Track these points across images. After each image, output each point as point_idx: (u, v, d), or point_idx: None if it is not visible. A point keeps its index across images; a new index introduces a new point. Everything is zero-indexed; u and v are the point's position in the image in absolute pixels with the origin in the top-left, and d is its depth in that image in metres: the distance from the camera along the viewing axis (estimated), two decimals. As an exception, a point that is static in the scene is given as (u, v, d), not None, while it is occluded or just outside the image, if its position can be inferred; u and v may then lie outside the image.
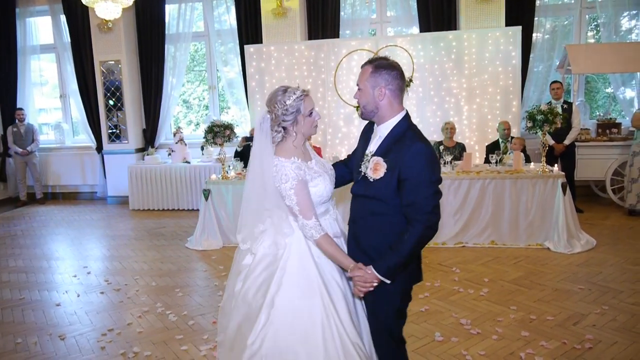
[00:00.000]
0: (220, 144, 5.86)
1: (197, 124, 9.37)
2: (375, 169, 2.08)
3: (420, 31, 7.39)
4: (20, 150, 8.57)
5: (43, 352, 3.47)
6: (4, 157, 9.10)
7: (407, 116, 2.16)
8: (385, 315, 2.22)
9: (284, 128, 2.21)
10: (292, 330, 2.14)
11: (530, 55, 7.41)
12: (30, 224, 7.49)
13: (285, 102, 2.17)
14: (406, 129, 2.12)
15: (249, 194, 2.28)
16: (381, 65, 2.09)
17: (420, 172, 2.01)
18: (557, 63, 7.39)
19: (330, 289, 2.18)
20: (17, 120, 8.65)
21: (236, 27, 8.01)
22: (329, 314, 2.12)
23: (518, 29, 6.71)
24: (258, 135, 2.22)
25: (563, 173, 5.36)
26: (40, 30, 9.16)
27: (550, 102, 6.54)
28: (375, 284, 2.08)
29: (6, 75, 8.88)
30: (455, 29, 7.21)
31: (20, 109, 8.73)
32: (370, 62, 2.14)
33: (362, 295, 2.15)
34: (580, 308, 3.76)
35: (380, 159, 2.08)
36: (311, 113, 2.22)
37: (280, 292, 2.16)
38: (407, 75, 6.88)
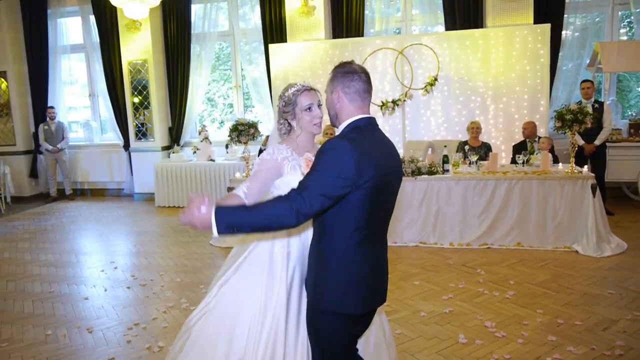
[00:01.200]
0: (244, 142, 5.91)
1: (222, 122, 9.46)
2: (306, 165, 2.03)
3: (446, 29, 7.30)
4: (51, 147, 8.79)
5: (71, 345, 3.55)
6: (35, 154, 9.35)
7: (361, 119, 1.93)
8: (312, 339, 2.04)
9: (288, 122, 2.26)
10: (222, 320, 2.16)
11: (560, 53, 7.24)
12: (59, 219, 7.68)
13: (284, 94, 2.24)
14: (347, 131, 1.92)
15: None
16: (339, 68, 1.98)
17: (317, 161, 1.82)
18: (588, 61, 7.21)
19: (276, 297, 2.11)
20: (48, 118, 8.88)
21: (261, 26, 8.04)
22: (262, 319, 2.07)
23: (547, 26, 6.57)
24: (273, 127, 2.31)
25: (593, 174, 5.23)
26: (71, 30, 9.38)
27: (580, 101, 6.39)
28: (198, 217, 1.78)
29: (38, 74, 9.12)
30: (481, 26, 7.10)
31: (52, 107, 8.96)
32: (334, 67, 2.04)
33: (184, 220, 1.84)
34: (610, 313, 3.67)
35: (310, 155, 2.10)
36: (309, 108, 2.19)
37: (232, 279, 2.21)
38: (432, 74, 6.83)
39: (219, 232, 1.76)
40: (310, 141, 2.27)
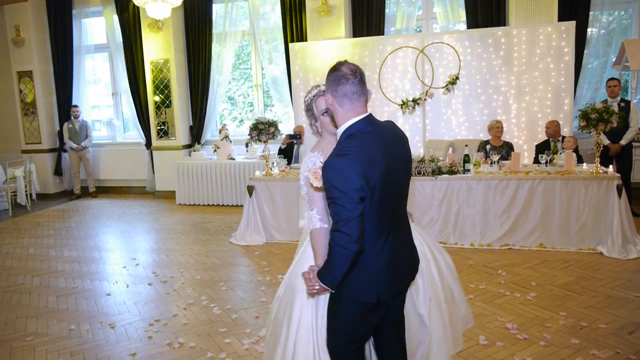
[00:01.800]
0: (264, 141, 5.93)
1: (242, 120, 9.52)
2: (315, 177, 2.04)
3: (468, 27, 7.22)
4: (75, 145, 8.96)
5: (94, 339, 3.61)
6: (60, 152, 9.54)
7: (354, 125, 1.95)
8: (330, 326, 2.12)
9: (315, 125, 2.37)
10: (285, 302, 2.31)
11: (585, 51, 7.10)
12: (83, 216, 7.82)
13: (305, 98, 2.35)
14: (342, 140, 1.95)
15: None
16: (329, 72, 1.99)
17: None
18: (614, 59, 7.05)
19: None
20: (72, 117, 9.05)
21: (281, 25, 8.07)
22: (315, 303, 2.22)
23: (572, 24, 6.44)
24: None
25: (618, 175, 5.11)
26: (95, 30, 9.54)
27: (605, 100, 6.26)
28: (317, 288, 2.00)
29: (63, 73, 9.32)
30: (504, 24, 7.01)
31: (76, 106, 9.13)
32: None
33: (311, 296, 2.15)
34: (635, 317, 3.58)
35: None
36: (326, 112, 2.24)
37: (293, 264, 2.38)
38: (453, 72, 6.76)
39: (332, 289, 1.99)
40: (334, 144, 2.25)
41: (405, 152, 2.06)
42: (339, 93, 1.95)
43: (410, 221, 2.26)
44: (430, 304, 2.41)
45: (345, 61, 2.01)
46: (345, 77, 1.93)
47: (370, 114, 2.00)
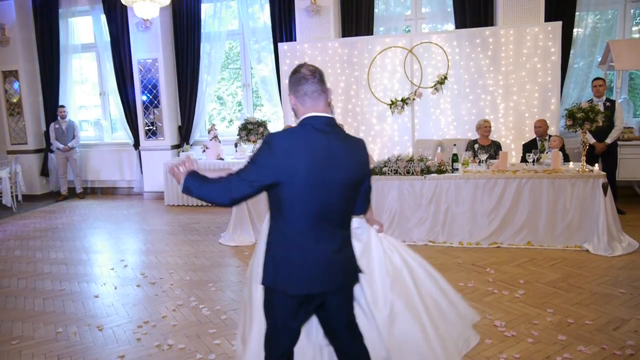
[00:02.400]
0: (253, 141, 5.92)
1: (231, 120, 9.49)
2: None
3: (456, 27, 7.26)
4: (62, 146, 8.87)
5: (82, 342, 3.58)
6: (46, 152, 9.44)
7: (311, 118, 2.04)
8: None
9: None
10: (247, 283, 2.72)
11: (571, 51, 7.18)
12: (70, 218, 7.75)
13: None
14: (288, 128, 2.20)
15: None
16: (291, 74, 2.12)
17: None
18: (599, 59, 7.14)
19: None
20: (59, 117, 8.95)
21: (270, 24, 8.06)
22: None
23: (558, 24, 6.51)
24: None
25: (604, 173, 5.17)
26: (82, 29, 9.45)
27: (591, 99, 6.32)
28: (176, 172, 2.12)
29: (49, 73, 9.22)
30: (492, 25, 7.06)
31: (62, 106, 9.03)
32: None
33: (170, 169, 2.20)
34: (621, 313, 3.63)
35: None
36: None
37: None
38: (441, 72, 6.80)
39: (181, 190, 2.08)
40: None
41: (345, 171, 2.04)
42: (300, 93, 2.07)
43: (377, 231, 2.57)
44: (395, 309, 2.42)
45: (305, 63, 2.13)
46: (305, 77, 2.06)
47: (332, 119, 2.09)
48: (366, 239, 2.54)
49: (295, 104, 2.09)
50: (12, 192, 8.37)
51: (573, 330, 3.40)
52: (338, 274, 2.11)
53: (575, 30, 7.19)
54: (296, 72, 2.09)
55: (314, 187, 1.97)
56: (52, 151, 9.32)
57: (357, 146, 2.13)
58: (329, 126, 2.05)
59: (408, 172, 5.47)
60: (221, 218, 7.15)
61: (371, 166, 2.45)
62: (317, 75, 2.07)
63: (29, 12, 9.15)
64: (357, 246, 2.37)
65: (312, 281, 2.05)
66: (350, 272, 2.18)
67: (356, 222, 2.49)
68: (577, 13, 7.12)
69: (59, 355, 3.40)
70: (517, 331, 3.41)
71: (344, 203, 2.09)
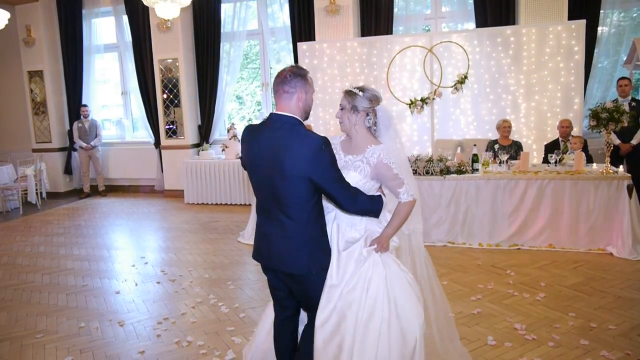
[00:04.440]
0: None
1: (250, 119, 9.54)
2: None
3: (477, 26, 7.18)
4: (85, 144, 9.03)
5: (103, 337, 3.64)
6: (69, 151, 9.61)
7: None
8: None
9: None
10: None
11: (595, 50, 7.03)
12: (92, 215, 7.88)
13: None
14: None
15: None
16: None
17: None
18: (625, 58, 6.98)
19: None
20: (82, 116, 9.11)
21: (289, 24, 8.08)
22: None
23: (582, 22, 6.39)
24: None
25: (629, 175, 5.07)
26: (104, 30, 9.60)
27: (616, 99, 6.19)
28: None
29: (73, 73, 9.38)
30: (513, 23, 6.96)
31: (85, 105, 9.19)
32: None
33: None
34: (645, 318, 3.56)
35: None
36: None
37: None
38: (462, 72, 6.74)
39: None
40: (348, 141, 2.51)
41: (272, 162, 2.19)
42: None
43: (375, 251, 2.39)
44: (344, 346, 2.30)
45: (290, 65, 2.34)
46: (276, 77, 2.31)
47: (288, 117, 2.24)
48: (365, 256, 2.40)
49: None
50: (36, 190, 8.54)
51: (596, 334, 3.34)
52: (276, 257, 2.31)
53: (599, 28, 7.05)
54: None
55: (254, 174, 2.31)
56: (75, 150, 9.49)
57: (301, 144, 2.15)
58: (279, 122, 2.23)
59: (427, 173, 5.43)
60: (240, 217, 7.19)
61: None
62: (281, 77, 2.26)
63: (54, 13, 9.33)
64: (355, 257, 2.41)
65: (257, 253, 2.41)
66: (289, 261, 2.28)
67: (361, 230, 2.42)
68: (601, 11, 6.97)
69: (81, 350, 3.46)
70: (537, 335, 3.36)
71: (285, 194, 2.21)
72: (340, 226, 2.43)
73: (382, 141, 2.45)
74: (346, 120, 2.45)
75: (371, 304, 2.29)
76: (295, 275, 2.31)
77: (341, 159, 2.44)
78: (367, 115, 2.43)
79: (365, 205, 2.32)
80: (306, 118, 2.35)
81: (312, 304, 2.39)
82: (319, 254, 2.31)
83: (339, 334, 2.30)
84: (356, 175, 2.37)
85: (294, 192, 2.20)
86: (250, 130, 2.34)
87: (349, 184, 2.27)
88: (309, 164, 2.14)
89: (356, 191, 2.29)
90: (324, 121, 7.54)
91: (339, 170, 2.24)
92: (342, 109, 2.46)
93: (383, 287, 2.31)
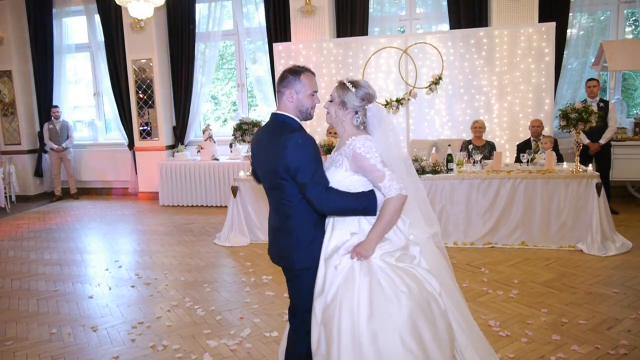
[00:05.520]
0: (248, 142, 5.91)
1: (225, 120, 9.48)
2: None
3: (451, 28, 7.29)
4: (56, 146, 8.83)
5: (76, 343, 3.57)
6: (40, 153, 9.39)
7: None
8: None
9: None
10: None
11: (565, 52, 7.22)
12: (64, 218, 7.71)
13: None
14: None
15: None
16: None
17: None
18: (593, 60, 7.18)
19: None
20: (52, 118, 8.91)
21: (265, 25, 8.05)
22: None
23: (552, 25, 6.54)
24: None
25: (598, 173, 5.20)
26: (75, 29, 9.41)
27: (585, 100, 6.36)
28: None
29: (43, 73, 9.16)
30: (486, 25, 7.08)
31: (56, 106, 8.99)
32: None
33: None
34: (614, 312, 3.65)
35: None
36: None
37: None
38: (436, 73, 6.82)
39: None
40: (341, 139, 2.41)
41: (267, 159, 2.30)
42: None
43: (357, 256, 2.19)
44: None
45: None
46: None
47: (279, 115, 2.32)
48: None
49: None
50: (5, 193, 8.32)
51: (567, 329, 3.42)
52: (276, 252, 2.41)
53: (569, 31, 7.23)
54: None
55: (260, 174, 2.42)
56: (46, 152, 9.27)
57: (278, 141, 2.20)
58: (271, 121, 2.36)
59: (403, 173, 5.46)
60: (216, 219, 7.14)
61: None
62: (279, 76, 2.38)
63: (23, 12, 9.10)
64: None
65: (269, 249, 2.48)
66: (282, 257, 2.36)
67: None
68: (570, 14, 7.15)
69: (52, 356, 3.38)
70: (511, 331, 3.43)
71: (270, 189, 2.35)
72: (336, 226, 2.28)
73: (372, 137, 2.28)
74: (333, 113, 2.33)
75: (347, 321, 2.08)
76: (287, 270, 2.38)
77: (331, 157, 2.37)
78: (356, 113, 2.29)
79: (341, 203, 2.17)
80: (305, 117, 2.33)
81: (296, 307, 2.36)
82: (307, 252, 2.27)
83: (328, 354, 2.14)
84: (339, 171, 2.24)
85: (286, 189, 2.23)
86: (255, 134, 2.47)
87: (322, 183, 2.17)
88: (285, 161, 2.15)
89: (330, 190, 2.18)
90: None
91: (316, 169, 2.16)
92: (330, 101, 2.35)
93: (356, 305, 2.08)
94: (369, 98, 2.30)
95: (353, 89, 2.27)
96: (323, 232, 2.30)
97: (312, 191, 2.16)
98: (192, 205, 8.13)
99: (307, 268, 2.28)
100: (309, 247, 2.27)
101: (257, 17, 8.29)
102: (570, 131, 5.23)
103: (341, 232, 2.25)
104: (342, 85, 2.31)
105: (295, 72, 2.30)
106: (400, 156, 2.41)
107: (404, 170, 2.38)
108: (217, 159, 8.05)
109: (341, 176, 2.24)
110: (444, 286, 2.33)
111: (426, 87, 6.96)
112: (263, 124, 5.98)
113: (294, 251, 2.28)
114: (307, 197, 2.18)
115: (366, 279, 2.13)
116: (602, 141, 6.29)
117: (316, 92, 2.33)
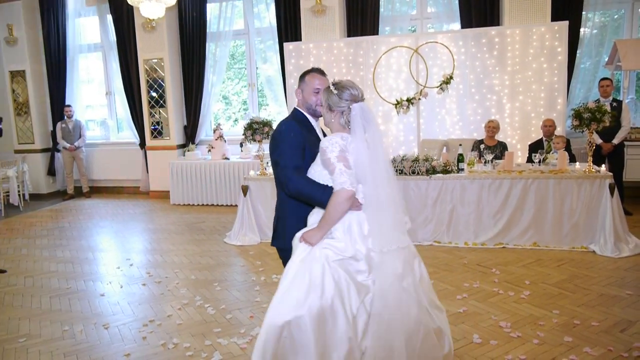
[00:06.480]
0: (259, 141, 5.93)
1: (236, 120, 9.51)
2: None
3: (462, 27, 7.24)
4: (68, 145, 8.92)
5: (88, 340, 3.60)
6: (53, 152, 9.49)
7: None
8: None
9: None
10: None
11: (577, 51, 7.14)
12: (76, 217, 7.78)
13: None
14: None
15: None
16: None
17: None
18: (606, 59, 7.10)
19: None
20: (65, 117, 9.00)
21: (275, 24, 8.06)
22: None
23: (565, 24, 6.48)
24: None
25: (611, 173, 5.15)
26: (88, 29, 9.50)
27: (598, 99, 6.29)
28: None
29: (56, 73, 9.26)
30: (498, 24, 7.03)
31: (69, 105, 9.08)
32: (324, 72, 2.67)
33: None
34: (627, 314, 3.61)
35: None
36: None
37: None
38: (447, 72, 6.78)
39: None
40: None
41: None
42: None
43: (302, 240, 2.36)
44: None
45: None
46: None
47: (293, 110, 2.70)
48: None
49: None
50: (19, 191, 8.41)
51: (579, 331, 3.39)
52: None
53: (582, 29, 7.16)
54: None
55: None
56: (58, 150, 9.37)
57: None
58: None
59: (413, 172, 5.46)
60: (226, 217, 7.16)
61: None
62: None
63: (37, 12, 9.20)
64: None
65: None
66: (273, 237, 2.72)
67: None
68: (583, 12, 7.08)
69: (65, 353, 3.42)
70: (522, 332, 3.40)
71: (274, 176, 2.62)
72: (313, 213, 2.48)
73: (352, 136, 2.35)
74: (325, 116, 2.50)
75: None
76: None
77: None
78: (342, 113, 2.41)
79: (304, 188, 2.38)
80: (313, 113, 2.64)
81: None
82: (286, 233, 2.54)
83: None
84: (314, 166, 2.45)
85: (275, 173, 2.57)
86: None
87: (293, 165, 2.41)
88: (271, 142, 2.57)
89: (301, 173, 2.41)
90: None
91: (291, 152, 2.43)
92: (321, 105, 2.52)
93: (281, 282, 2.29)
94: (353, 98, 2.39)
95: (336, 92, 2.40)
96: (302, 217, 2.50)
97: (282, 171, 2.45)
98: (203, 204, 8.17)
99: (283, 249, 2.59)
100: (290, 229, 2.51)
101: (268, 16, 8.30)
102: (583, 131, 5.17)
103: (313, 217, 2.44)
104: (326, 89, 2.46)
105: (304, 72, 2.64)
106: (375, 163, 2.32)
107: (383, 173, 2.32)
108: (228, 158, 8.08)
109: (315, 170, 2.44)
110: (387, 308, 2.22)
111: (437, 87, 6.92)
112: (273, 123, 6.11)
113: (276, 231, 2.67)
114: (277, 175, 2.49)
115: (298, 260, 2.29)
116: (615, 141, 6.22)
117: (319, 89, 2.56)
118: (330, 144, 2.31)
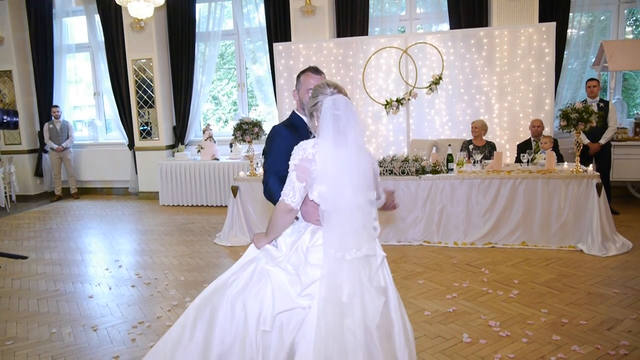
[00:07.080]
0: (248, 142, 5.92)
1: (226, 120, 9.48)
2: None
3: (451, 28, 7.29)
4: (56, 146, 8.83)
5: (76, 343, 3.56)
6: (40, 153, 9.39)
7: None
8: None
9: None
10: None
11: (565, 52, 7.21)
12: (64, 218, 7.71)
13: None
14: None
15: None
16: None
17: None
18: (593, 60, 7.18)
19: None
20: (53, 117, 8.91)
21: (265, 25, 8.05)
22: None
23: (552, 25, 6.54)
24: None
25: (598, 173, 5.20)
26: (76, 29, 9.42)
27: (585, 100, 6.36)
28: None
29: (43, 73, 9.17)
30: (486, 25, 7.08)
31: (56, 106, 8.99)
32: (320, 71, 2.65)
33: None
34: (615, 313, 3.65)
35: None
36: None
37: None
38: (436, 73, 6.82)
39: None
40: None
41: None
42: None
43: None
44: None
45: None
46: None
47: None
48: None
49: None
50: (6, 193, 8.32)
51: (567, 330, 3.42)
52: None
53: (569, 30, 7.23)
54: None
55: None
56: (46, 151, 9.27)
57: None
58: None
59: (403, 173, 5.48)
60: (216, 218, 7.14)
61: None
62: None
63: (23, 12, 9.10)
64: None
65: None
66: None
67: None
68: (570, 14, 7.15)
69: (53, 356, 3.38)
70: (511, 331, 3.43)
71: None
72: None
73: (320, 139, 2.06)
74: (310, 124, 2.23)
75: None
76: None
77: None
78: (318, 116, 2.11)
79: (274, 193, 2.35)
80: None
81: None
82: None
83: None
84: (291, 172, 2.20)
85: None
86: None
87: (276, 171, 2.40)
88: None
89: (280, 179, 2.30)
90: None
91: (276, 157, 2.43)
92: None
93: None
94: (315, 94, 2.12)
95: (311, 95, 2.17)
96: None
97: (264, 174, 2.53)
98: (193, 205, 8.13)
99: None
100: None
101: (257, 17, 8.29)
102: (570, 131, 5.22)
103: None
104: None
105: (300, 73, 2.65)
106: (341, 169, 1.99)
107: (347, 178, 1.98)
108: (217, 159, 8.06)
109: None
110: (329, 325, 1.91)
111: (426, 87, 6.96)
112: (263, 124, 6.10)
113: None
114: (264, 181, 2.50)
115: (244, 261, 2.39)
116: (603, 141, 6.29)
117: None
118: (297, 149, 2.08)
